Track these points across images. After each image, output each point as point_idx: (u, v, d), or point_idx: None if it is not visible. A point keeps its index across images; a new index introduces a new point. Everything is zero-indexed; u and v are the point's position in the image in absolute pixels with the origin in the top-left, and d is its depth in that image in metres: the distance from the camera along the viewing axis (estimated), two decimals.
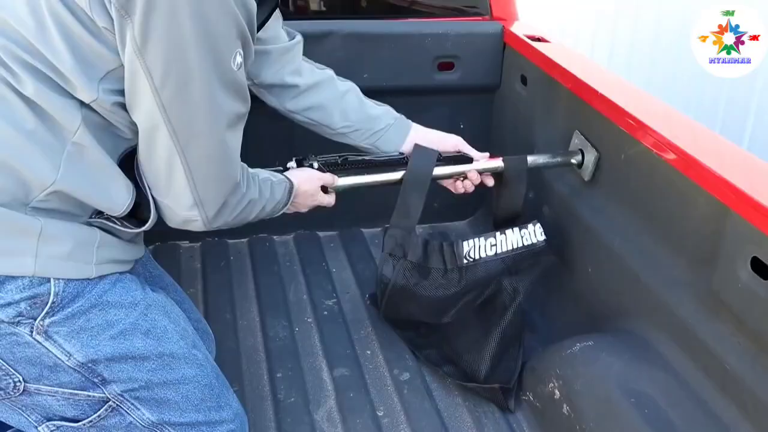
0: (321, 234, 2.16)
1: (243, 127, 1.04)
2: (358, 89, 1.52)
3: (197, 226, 1.04)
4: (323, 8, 2.14)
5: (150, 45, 0.87)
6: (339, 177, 1.46)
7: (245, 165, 1.11)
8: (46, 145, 0.90)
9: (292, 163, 1.39)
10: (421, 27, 1.95)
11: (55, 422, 1.04)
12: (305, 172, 1.36)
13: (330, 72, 1.51)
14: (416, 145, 1.53)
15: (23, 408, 1.02)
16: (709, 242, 1.23)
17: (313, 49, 1.85)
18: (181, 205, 1.00)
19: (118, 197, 0.98)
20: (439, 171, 1.54)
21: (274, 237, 2.14)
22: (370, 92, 1.95)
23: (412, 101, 2.03)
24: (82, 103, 0.92)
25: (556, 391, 1.41)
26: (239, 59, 0.96)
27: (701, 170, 1.20)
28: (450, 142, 1.57)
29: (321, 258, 2.06)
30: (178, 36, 0.87)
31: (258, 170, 1.19)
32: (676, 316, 1.31)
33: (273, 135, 1.84)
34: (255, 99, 1.47)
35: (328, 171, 1.42)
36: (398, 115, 1.54)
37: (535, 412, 1.49)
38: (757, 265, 1.11)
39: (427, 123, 2.06)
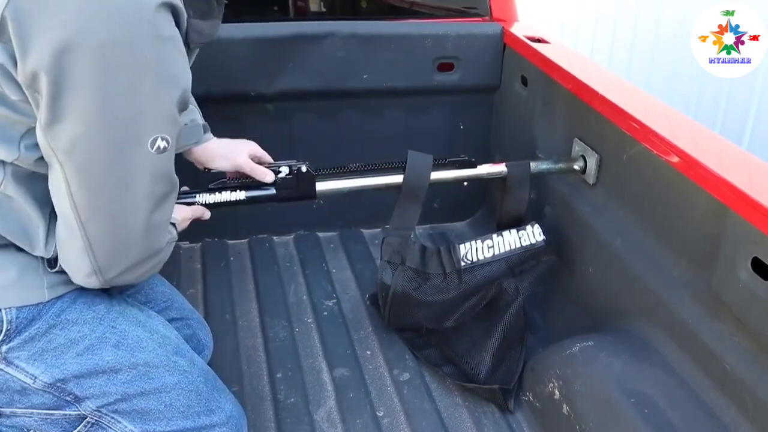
0: (321, 234, 2.16)
1: (169, 205, 0.98)
2: None
3: (95, 285, 0.97)
4: (323, 9, 2.14)
5: (55, 123, 0.83)
6: (343, 180, 1.45)
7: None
8: None
9: (284, 168, 1.37)
10: (421, 28, 1.95)
11: None
12: (180, 212, 1.25)
13: None
14: (411, 152, 1.52)
15: (8, 426, 1.02)
16: (710, 242, 1.23)
17: (313, 51, 1.87)
18: (79, 272, 0.94)
19: (42, 242, 0.95)
20: (437, 176, 1.54)
21: (274, 237, 2.14)
22: (370, 93, 1.97)
23: (412, 102, 2.04)
24: (4, 161, 0.90)
25: (556, 392, 1.41)
26: (161, 143, 0.89)
27: (701, 170, 1.20)
28: (241, 151, 1.38)
29: (321, 258, 2.06)
30: (82, 119, 0.83)
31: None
32: (676, 316, 1.31)
33: (273, 135, 1.85)
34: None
35: (320, 174, 1.41)
36: (199, 124, 1.37)
37: (535, 413, 1.49)
38: (757, 265, 1.11)
39: (427, 123, 2.07)
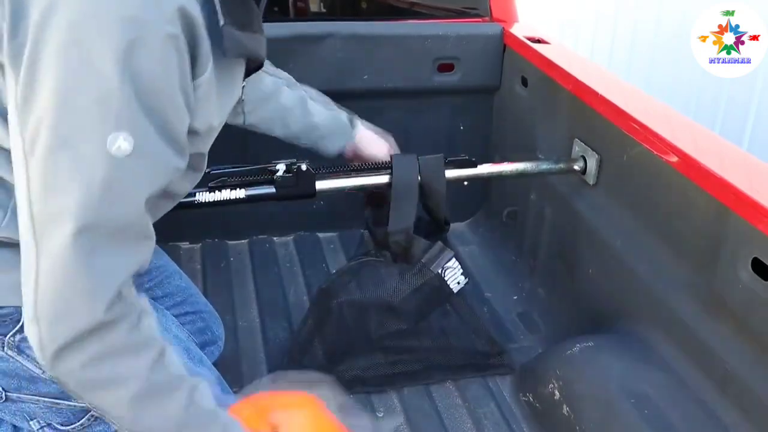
0: (321, 235, 2.16)
1: (134, 254, 0.79)
2: (307, 97, 1.42)
3: (34, 347, 0.79)
4: (323, 9, 2.14)
5: (28, 101, 0.72)
6: (343, 179, 1.43)
7: (161, 342, 0.85)
8: None
9: (281, 165, 1.36)
10: (421, 28, 1.95)
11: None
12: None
13: (281, 83, 1.39)
14: (394, 155, 1.46)
15: (13, 412, 1.02)
16: (710, 243, 1.23)
17: (313, 51, 1.86)
18: (25, 312, 0.79)
19: None
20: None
21: (274, 238, 2.14)
22: (370, 94, 1.97)
23: (413, 103, 2.04)
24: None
25: (556, 392, 1.41)
26: (123, 145, 0.72)
27: (701, 171, 1.21)
28: (379, 146, 1.48)
29: (321, 259, 2.06)
30: (51, 93, 0.71)
31: (193, 372, 0.90)
32: (676, 316, 1.31)
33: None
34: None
35: (320, 172, 1.40)
36: (345, 122, 1.46)
37: (535, 413, 1.49)
38: (757, 265, 1.11)
39: (428, 124, 2.07)
